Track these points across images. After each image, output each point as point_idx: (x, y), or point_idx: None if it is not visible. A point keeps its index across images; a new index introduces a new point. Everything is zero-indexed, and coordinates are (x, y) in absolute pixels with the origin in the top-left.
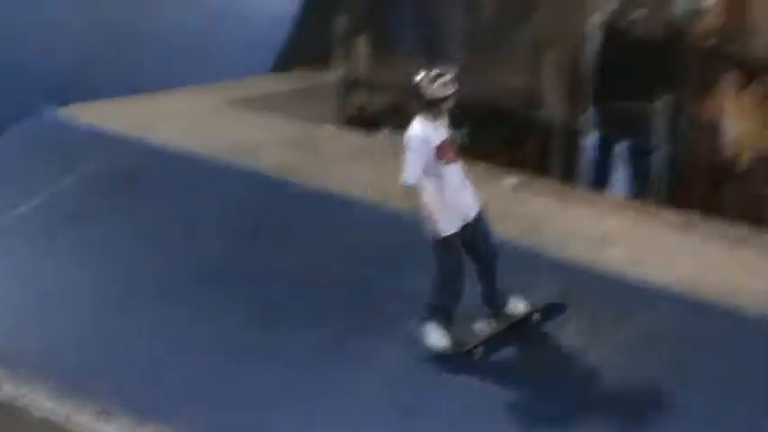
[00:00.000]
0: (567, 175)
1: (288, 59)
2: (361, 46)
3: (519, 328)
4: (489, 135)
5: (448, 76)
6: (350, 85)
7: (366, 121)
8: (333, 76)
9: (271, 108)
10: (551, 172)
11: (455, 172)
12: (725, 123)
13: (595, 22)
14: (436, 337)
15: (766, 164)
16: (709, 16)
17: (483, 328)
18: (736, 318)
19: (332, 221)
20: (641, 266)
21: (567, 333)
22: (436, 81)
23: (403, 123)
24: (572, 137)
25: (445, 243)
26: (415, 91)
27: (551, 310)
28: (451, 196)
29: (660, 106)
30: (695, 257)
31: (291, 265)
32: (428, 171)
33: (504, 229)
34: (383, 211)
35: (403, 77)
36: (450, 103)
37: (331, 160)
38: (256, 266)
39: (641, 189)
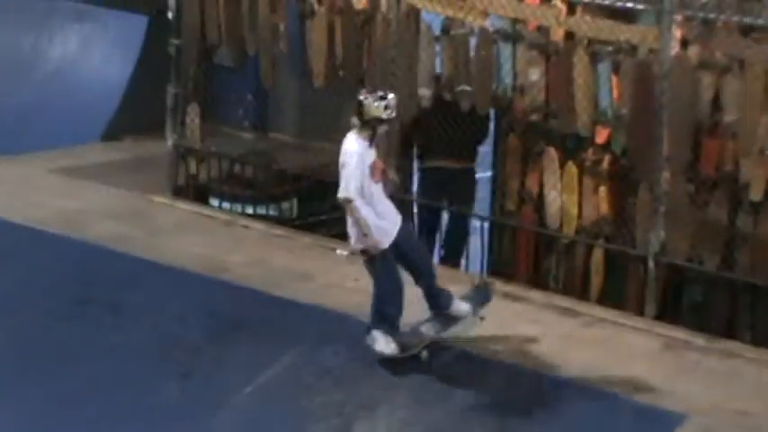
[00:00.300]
0: None
1: (118, 129)
2: (193, 116)
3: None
4: (320, 205)
5: (390, 100)
6: (181, 155)
7: (197, 191)
8: (164, 145)
9: (100, 177)
10: None
11: (381, 190)
12: (548, 196)
13: (423, 94)
14: (384, 343)
15: (587, 236)
16: (532, 93)
17: (428, 330)
18: (559, 387)
19: (161, 294)
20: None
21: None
22: (379, 102)
23: (235, 192)
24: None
25: (384, 256)
26: (358, 108)
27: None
28: (382, 212)
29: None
30: (525, 327)
31: (118, 340)
32: (361, 188)
33: (341, 301)
34: (213, 283)
35: (234, 147)
36: (385, 127)
37: (161, 231)
38: (80, 342)
39: (453, 254)
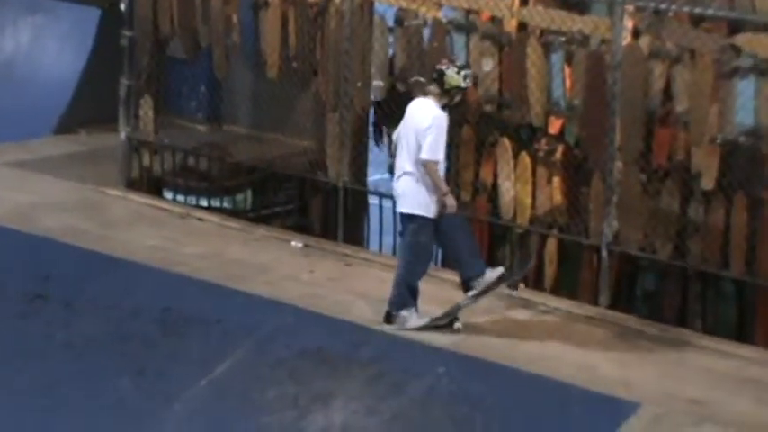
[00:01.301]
0: (353, 237)
1: (72, 121)
2: (146, 108)
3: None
4: (274, 197)
5: (469, 72)
6: (134, 148)
7: (151, 184)
8: (117, 138)
9: (53, 170)
10: (337, 234)
11: None
12: (502, 186)
13: (377, 85)
14: (415, 318)
15: (541, 226)
16: (486, 83)
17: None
18: (508, 375)
19: (115, 288)
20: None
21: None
22: (460, 72)
23: (189, 185)
24: (357, 199)
25: (432, 223)
26: (438, 77)
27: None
28: None
29: None
30: (478, 317)
31: (72, 335)
32: None
33: (296, 293)
34: (168, 276)
35: (188, 139)
36: (459, 97)
37: (115, 224)
38: (33, 337)
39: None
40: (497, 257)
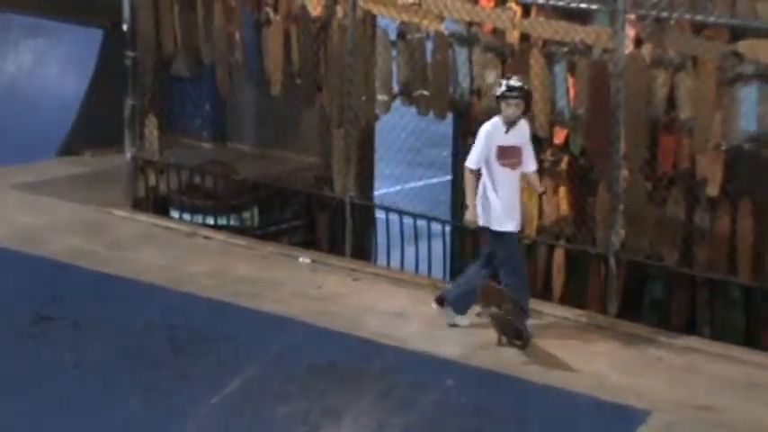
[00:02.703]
0: (360, 251)
1: (76, 143)
2: (151, 127)
3: None
4: (281, 214)
5: (512, 82)
6: (140, 167)
7: (157, 203)
8: (122, 158)
9: (59, 192)
10: (344, 249)
11: (507, 176)
12: None
13: (381, 99)
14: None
15: (548, 236)
16: (489, 95)
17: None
18: (517, 386)
19: (123, 308)
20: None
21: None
22: (502, 82)
23: (195, 203)
24: (363, 213)
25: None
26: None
27: None
28: (503, 198)
29: None
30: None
31: (81, 356)
32: (486, 162)
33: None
34: (176, 295)
35: (193, 158)
36: (508, 110)
37: (122, 244)
38: (43, 358)
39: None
40: None
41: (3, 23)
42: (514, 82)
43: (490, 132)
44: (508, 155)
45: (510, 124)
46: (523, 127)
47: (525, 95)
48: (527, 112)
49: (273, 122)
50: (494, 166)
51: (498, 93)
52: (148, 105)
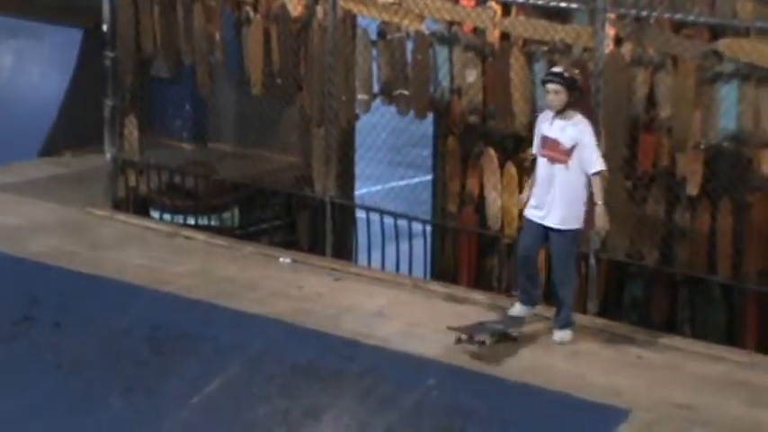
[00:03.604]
0: (341, 251)
1: (57, 143)
2: (131, 128)
3: None
4: (261, 214)
5: (553, 69)
6: (120, 168)
7: (138, 204)
8: (103, 159)
9: (39, 193)
10: (325, 249)
11: (543, 167)
12: (488, 197)
13: (362, 98)
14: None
15: None
16: (470, 94)
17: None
18: (498, 385)
19: (104, 308)
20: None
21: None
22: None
23: (176, 204)
24: (344, 213)
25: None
26: None
27: None
28: (535, 191)
29: None
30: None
31: (62, 357)
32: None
33: (286, 309)
34: (157, 295)
35: (173, 158)
36: (547, 97)
37: (102, 245)
38: (23, 359)
39: None
40: (486, 268)
41: None
42: (555, 68)
43: (539, 120)
44: (548, 146)
45: (557, 115)
46: (579, 125)
47: (568, 84)
48: (573, 103)
49: (254, 122)
50: (537, 154)
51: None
52: (128, 106)
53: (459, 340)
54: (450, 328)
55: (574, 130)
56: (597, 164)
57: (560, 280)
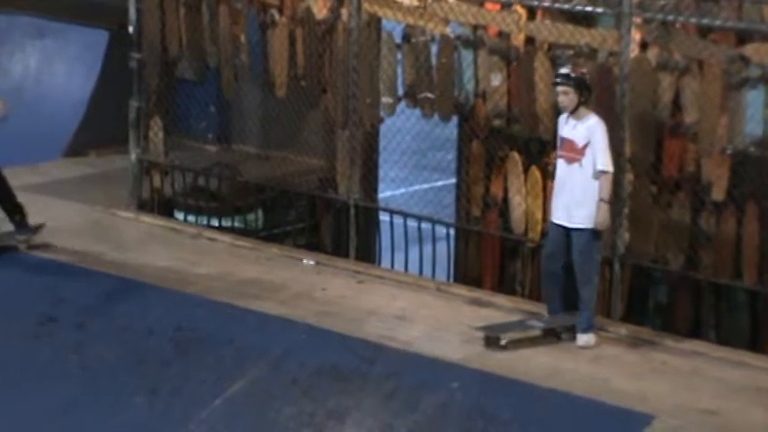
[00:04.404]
0: (364, 253)
1: (82, 144)
2: (156, 129)
3: None
4: (285, 216)
5: (561, 71)
6: (145, 169)
7: (162, 205)
8: (127, 160)
9: (64, 193)
10: (348, 251)
11: (563, 169)
12: (512, 201)
13: (386, 102)
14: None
15: None
16: (494, 98)
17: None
18: (521, 389)
19: (128, 309)
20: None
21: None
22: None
23: (200, 205)
24: (368, 216)
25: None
26: None
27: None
28: (555, 190)
29: None
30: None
31: (86, 357)
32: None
33: (309, 311)
34: (180, 297)
35: (198, 160)
36: (557, 98)
37: (127, 246)
38: (48, 360)
39: None
40: (509, 272)
41: (9, 25)
42: (563, 70)
43: (559, 122)
44: (564, 147)
45: (570, 115)
46: (591, 124)
47: (576, 84)
48: (584, 103)
49: (278, 125)
50: (557, 156)
51: (555, 80)
52: (154, 107)
53: (489, 340)
54: (478, 329)
55: (585, 129)
56: (604, 163)
57: (581, 279)
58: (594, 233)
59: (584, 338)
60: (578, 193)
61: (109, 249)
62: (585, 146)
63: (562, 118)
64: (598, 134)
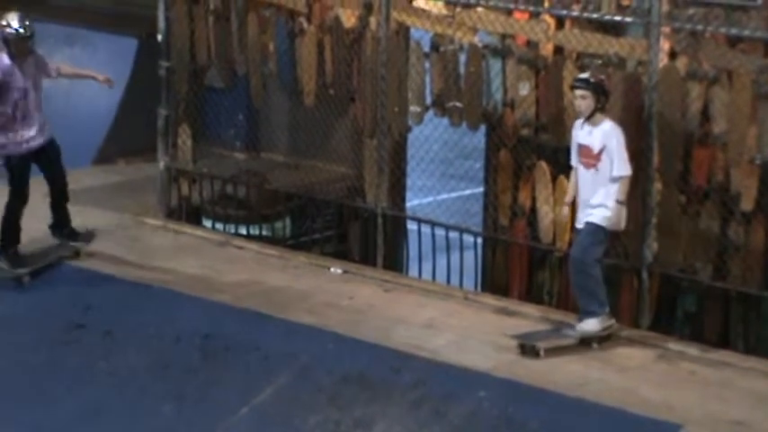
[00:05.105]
0: (392, 262)
1: (110, 152)
2: (184, 137)
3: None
4: (313, 224)
5: (580, 75)
6: (173, 177)
7: (190, 213)
8: (156, 167)
9: (93, 201)
10: (376, 260)
11: (583, 175)
12: (540, 210)
13: (414, 110)
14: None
15: None
16: (522, 107)
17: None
18: (549, 398)
19: (156, 317)
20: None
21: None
22: None
23: (228, 213)
24: (395, 224)
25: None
26: None
27: None
28: (579, 199)
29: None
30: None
31: (113, 364)
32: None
33: (336, 320)
34: (208, 304)
35: (226, 168)
36: (575, 102)
37: (155, 253)
38: (75, 367)
39: None
40: (537, 281)
41: (39, 32)
42: (582, 74)
43: (574, 128)
44: (582, 153)
45: (586, 120)
46: (606, 129)
47: (593, 89)
48: (600, 109)
49: (306, 133)
50: (574, 164)
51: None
52: (182, 115)
53: (524, 348)
54: (513, 337)
55: (601, 134)
56: (621, 168)
57: (579, 267)
58: (599, 228)
59: (579, 325)
60: (595, 198)
61: (137, 257)
62: (601, 151)
63: (577, 123)
64: (614, 139)
